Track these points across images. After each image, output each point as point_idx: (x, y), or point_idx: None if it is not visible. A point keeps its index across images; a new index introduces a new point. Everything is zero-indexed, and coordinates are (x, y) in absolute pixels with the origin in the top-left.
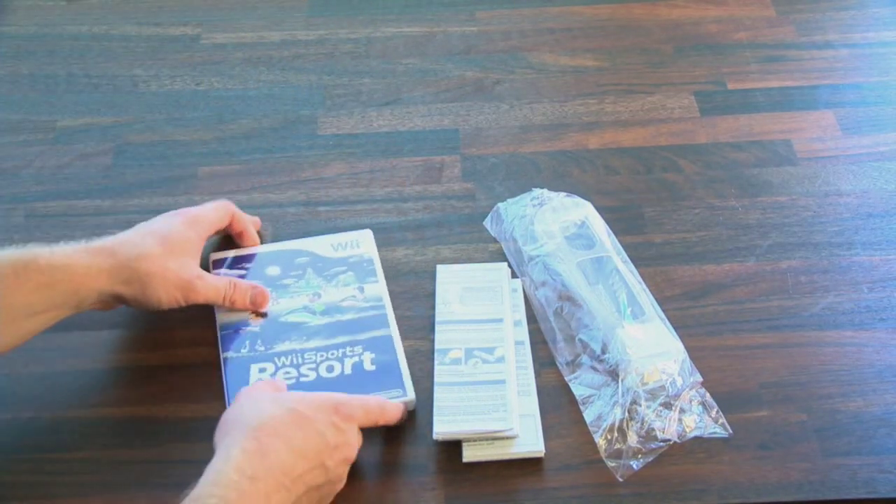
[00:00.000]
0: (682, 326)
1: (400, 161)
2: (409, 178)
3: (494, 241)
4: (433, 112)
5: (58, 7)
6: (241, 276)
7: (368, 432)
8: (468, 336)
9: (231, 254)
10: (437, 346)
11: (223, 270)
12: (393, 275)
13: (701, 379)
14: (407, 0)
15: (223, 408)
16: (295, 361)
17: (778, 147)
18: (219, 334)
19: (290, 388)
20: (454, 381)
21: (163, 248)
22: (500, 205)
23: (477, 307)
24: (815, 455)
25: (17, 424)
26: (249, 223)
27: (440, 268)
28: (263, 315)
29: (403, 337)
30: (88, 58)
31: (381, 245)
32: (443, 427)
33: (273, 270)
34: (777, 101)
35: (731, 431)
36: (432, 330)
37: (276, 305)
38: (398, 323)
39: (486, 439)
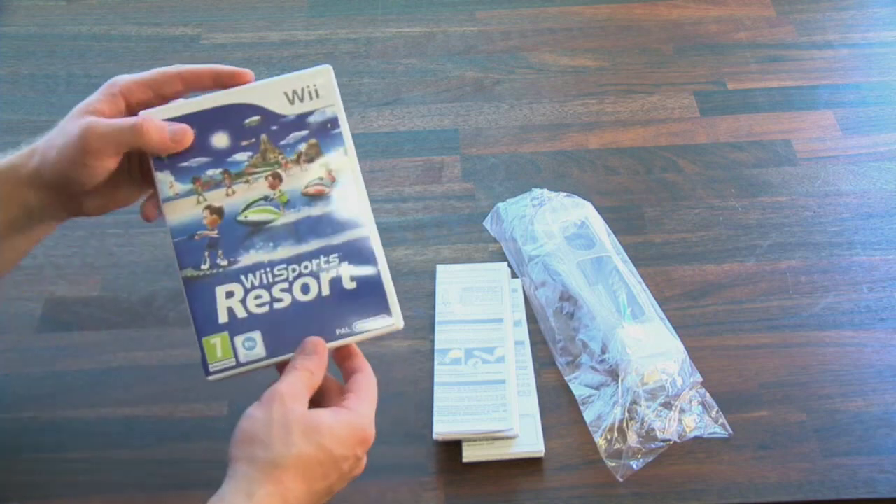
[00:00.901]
0: (682, 326)
1: (400, 161)
2: (409, 178)
3: (494, 241)
4: (433, 112)
5: (58, 7)
6: (182, 150)
7: None
8: (468, 336)
9: (166, 113)
10: (437, 346)
11: None
12: (393, 275)
13: (701, 379)
14: (407, 0)
15: (223, 408)
16: (264, 280)
17: (778, 147)
18: (172, 242)
19: (263, 317)
20: (454, 381)
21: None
22: (499, 205)
23: (477, 307)
24: (814, 455)
25: (17, 424)
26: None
27: (440, 268)
28: (219, 212)
29: (403, 337)
30: (88, 58)
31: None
32: (443, 427)
33: (220, 140)
34: (777, 101)
35: (730, 431)
36: (432, 330)
37: (231, 196)
38: None
39: (486, 439)
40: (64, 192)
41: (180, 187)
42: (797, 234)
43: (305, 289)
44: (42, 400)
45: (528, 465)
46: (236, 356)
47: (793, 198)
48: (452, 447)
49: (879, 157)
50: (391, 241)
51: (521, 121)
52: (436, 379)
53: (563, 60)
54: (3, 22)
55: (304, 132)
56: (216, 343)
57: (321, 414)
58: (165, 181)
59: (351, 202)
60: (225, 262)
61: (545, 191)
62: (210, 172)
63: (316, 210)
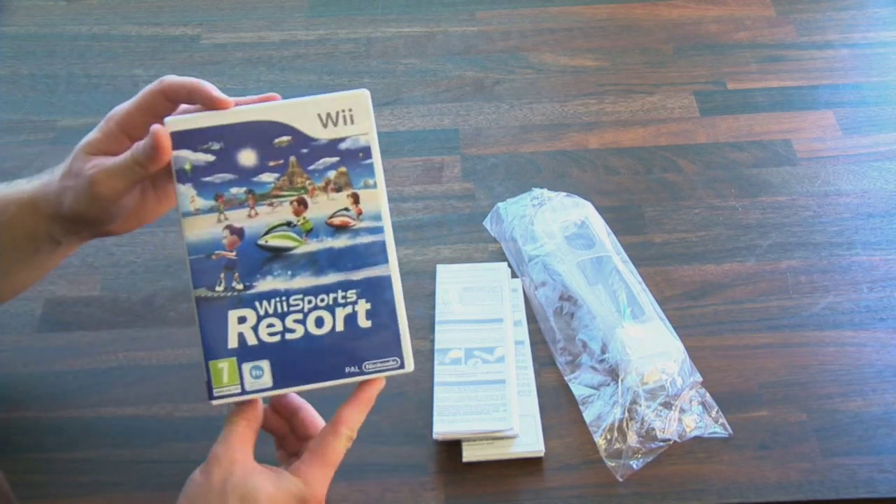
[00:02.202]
0: (681, 326)
1: (400, 161)
2: (409, 178)
3: (494, 240)
4: (433, 112)
5: (58, 7)
6: (209, 164)
7: (368, 432)
8: (468, 336)
9: (188, 123)
10: (437, 346)
11: (185, 152)
12: None
13: (701, 379)
14: (407, 0)
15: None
16: (279, 309)
17: (778, 147)
18: (188, 259)
19: (274, 346)
20: (454, 381)
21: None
22: (499, 205)
23: (477, 307)
24: (814, 455)
25: (17, 424)
26: (195, 80)
27: (440, 268)
28: (239, 234)
29: None
30: (88, 58)
31: None
32: (443, 427)
33: (248, 158)
34: (777, 101)
35: (731, 431)
36: (432, 330)
37: (253, 218)
38: None
39: (486, 439)
40: (87, 225)
41: (202, 203)
42: (797, 234)
43: (319, 322)
44: (42, 400)
45: (528, 465)
46: (242, 384)
47: (793, 198)
48: (452, 447)
49: (879, 157)
50: None
51: (521, 121)
52: (436, 379)
53: (563, 60)
54: (3, 22)
55: (335, 159)
56: (223, 368)
57: (265, 478)
58: (187, 195)
59: (376, 238)
60: (240, 286)
61: (545, 191)
62: (234, 191)
63: (339, 242)
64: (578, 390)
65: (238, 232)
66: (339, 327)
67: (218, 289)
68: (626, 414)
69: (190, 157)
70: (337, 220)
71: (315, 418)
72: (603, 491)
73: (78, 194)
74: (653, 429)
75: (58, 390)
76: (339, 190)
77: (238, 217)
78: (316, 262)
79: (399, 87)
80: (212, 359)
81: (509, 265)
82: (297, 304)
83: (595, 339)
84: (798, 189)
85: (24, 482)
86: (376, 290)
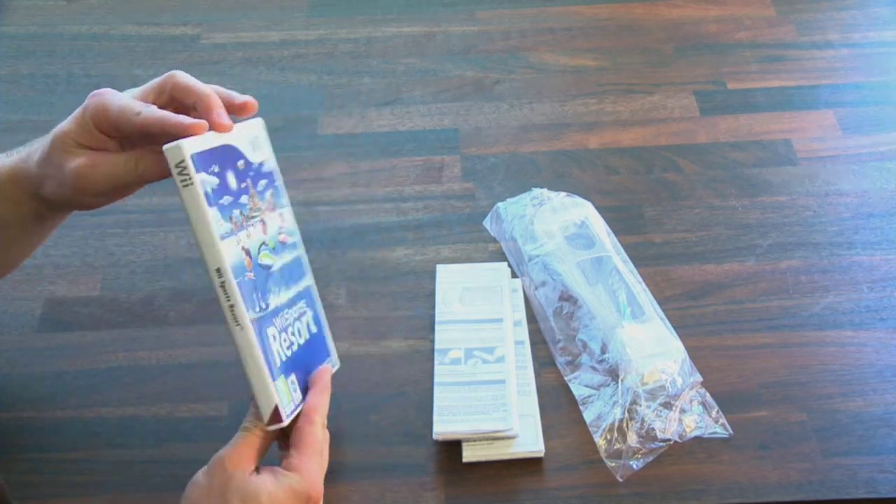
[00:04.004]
0: (682, 326)
1: (400, 161)
2: (409, 177)
3: (494, 240)
4: (433, 112)
5: (58, 7)
6: (216, 187)
7: (368, 432)
8: (468, 336)
9: (201, 145)
10: (437, 346)
11: (203, 175)
12: (393, 274)
13: (701, 379)
14: (407, 0)
15: (223, 408)
16: (283, 324)
17: (778, 147)
18: (233, 283)
19: (290, 359)
20: (454, 381)
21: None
22: (499, 204)
23: (477, 307)
24: (814, 455)
25: (17, 424)
26: (207, 92)
27: (440, 268)
28: (248, 254)
29: (403, 337)
30: (88, 58)
31: (380, 245)
32: (443, 427)
33: (232, 179)
34: (777, 101)
35: (731, 431)
36: (432, 330)
37: (250, 238)
38: (399, 324)
39: (486, 439)
40: (68, 207)
41: (225, 226)
42: (797, 234)
43: (299, 332)
44: (42, 400)
45: (528, 465)
46: (293, 398)
47: (793, 197)
48: (452, 447)
49: (879, 156)
50: (391, 241)
51: (521, 120)
52: (436, 379)
53: (563, 60)
54: (3, 22)
55: (265, 181)
56: (282, 386)
57: (264, 479)
58: (217, 218)
59: (300, 251)
60: (264, 304)
61: (545, 190)
62: (236, 213)
63: (286, 257)
64: (578, 390)
65: (248, 252)
66: (305, 336)
67: (257, 309)
68: (626, 414)
69: (206, 180)
70: (281, 237)
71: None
72: (603, 491)
73: (61, 184)
74: (653, 429)
75: (58, 390)
76: (273, 209)
77: (244, 237)
78: (283, 278)
79: (399, 87)
80: (275, 379)
81: (509, 265)
82: (288, 318)
83: (595, 339)
84: (798, 189)
85: (24, 482)
86: (311, 299)
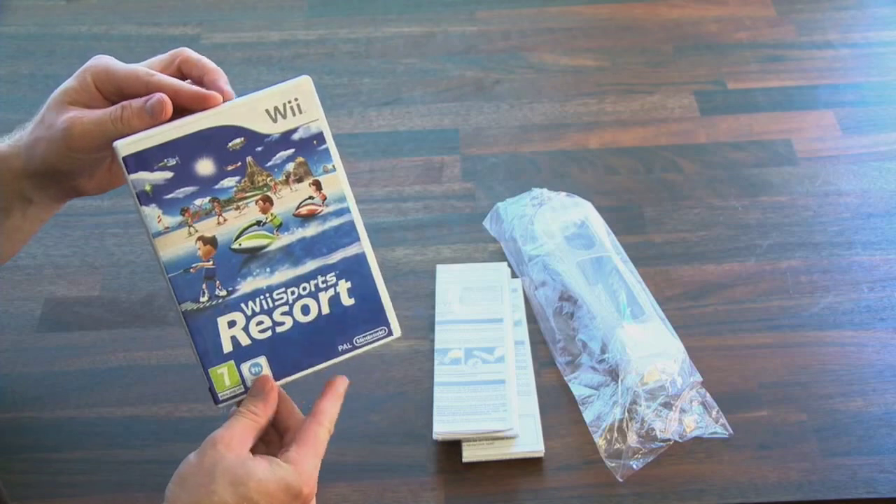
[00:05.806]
0: (682, 326)
1: (400, 161)
2: (409, 178)
3: (494, 240)
4: (433, 112)
5: (58, 7)
6: (168, 181)
7: (368, 432)
8: (468, 336)
9: (144, 142)
10: (437, 346)
11: (142, 174)
12: (393, 274)
13: (701, 379)
14: (407, 0)
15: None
16: (265, 306)
17: (778, 147)
18: (167, 278)
19: (267, 341)
20: (454, 381)
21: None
22: (499, 204)
23: (477, 307)
24: (814, 455)
25: (17, 424)
26: (215, 67)
27: (440, 268)
28: (212, 242)
29: (403, 337)
30: (88, 57)
31: (381, 245)
32: (443, 427)
33: (205, 167)
34: (777, 100)
35: (731, 431)
36: (432, 330)
37: (223, 225)
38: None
39: (486, 439)
40: (58, 179)
41: (169, 220)
42: (797, 234)
43: (306, 310)
44: (42, 400)
45: (528, 465)
46: (244, 382)
47: (793, 198)
48: (452, 447)
49: (879, 156)
50: (391, 241)
51: (521, 121)
52: (436, 379)
53: (563, 60)
54: (3, 22)
55: (291, 151)
56: (223, 372)
57: (256, 464)
58: (153, 215)
59: (344, 219)
60: (224, 292)
61: (545, 190)
62: (198, 202)
63: (310, 230)
64: (578, 390)
65: (210, 241)
66: (325, 310)
67: (202, 299)
68: (626, 414)
69: (148, 178)
70: (304, 210)
71: (294, 410)
72: (603, 491)
73: (50, 144)
74: (653, 429)
75: (58, 390)
76: (300, 180)
77: (208, 227)
78: (292, 254)
79: (399, 87)
80: (210, 367)
81: (509, 265)
82: (282, 298)
83: (595, 339)
84: (798, 189)
85: (24, 482)
86: (353, 268)
